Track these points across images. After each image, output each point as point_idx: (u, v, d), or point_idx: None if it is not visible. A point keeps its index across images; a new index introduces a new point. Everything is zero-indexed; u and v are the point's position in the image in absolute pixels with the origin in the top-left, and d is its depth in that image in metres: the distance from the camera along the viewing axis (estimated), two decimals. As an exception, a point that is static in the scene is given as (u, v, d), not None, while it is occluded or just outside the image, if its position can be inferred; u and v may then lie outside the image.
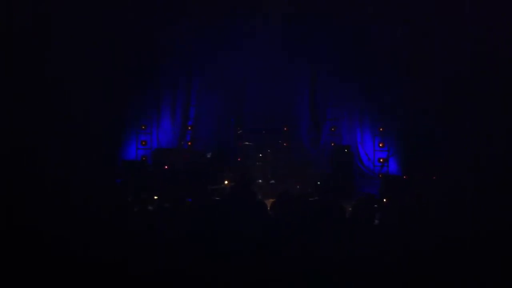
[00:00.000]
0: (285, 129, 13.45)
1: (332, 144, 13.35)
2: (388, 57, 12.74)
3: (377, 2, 12.60)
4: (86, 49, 11.78)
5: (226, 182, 11.43)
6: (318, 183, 11.66)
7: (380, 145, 13.22)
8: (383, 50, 12.78)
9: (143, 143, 13.26)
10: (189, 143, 13.68)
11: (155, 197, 10.08)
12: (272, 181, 11.73)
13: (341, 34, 13.23)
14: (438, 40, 11.88)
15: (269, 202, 8.22)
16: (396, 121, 12.90)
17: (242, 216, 5.32)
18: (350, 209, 7.15)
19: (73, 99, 11.66)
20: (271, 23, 13.16)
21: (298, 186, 11.40)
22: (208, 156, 12.68)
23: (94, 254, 4.44)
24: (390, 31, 12.69)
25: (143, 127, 13.32)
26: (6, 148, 9.92)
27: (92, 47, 11.92)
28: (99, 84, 12.09)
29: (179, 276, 4.26)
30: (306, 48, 13.41)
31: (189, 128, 13.78)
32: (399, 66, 12.62)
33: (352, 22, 13.06)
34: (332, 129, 13.63)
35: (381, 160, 13.14)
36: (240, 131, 13.27)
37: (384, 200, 10.14)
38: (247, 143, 12.74)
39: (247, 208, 5.89)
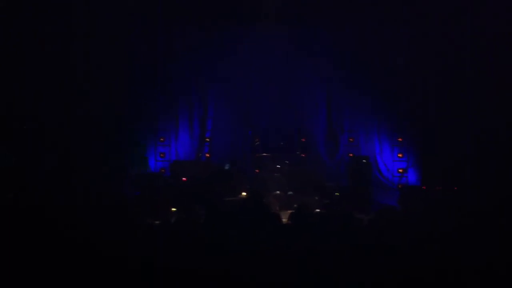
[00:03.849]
0: (302, 140, 13.41)
1: (350, 155, 13.27)
2: (405, 66, 12.69)
3: (394, 9, 12.57)
4: (103, 63, 11.91)
5: (243, 193, 11.41)
6: (336, 194, 11.59)
7: (399, 155, 13.11)
8: (400, 59, 12.74)
9: (162, 155, 13.32)
10: (207, 155, 13.70)
11: (173, 209, 10.10)
12: (290, 193, 11.67)
13: (358, 44, 13.22)
14: (458, 48, 11.80)
15: (287, 213, 8.19)
16: (415, 131, 12.80)
17: (254, 228, 5.33)
18: (368, 220, 7.10)
19: (90, 112, 11.79)
20: (288, 34, 13.21)
21: (316, 198, 11.34)
22: (226, 167, 12.68)
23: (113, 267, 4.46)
24: (406, 40, 12.67)
25: (162, 139, 13.39)
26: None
27: (109, 60, 12.06)
28: (117, 97, 12.21)
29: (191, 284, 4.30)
30: (323, 58, 13.40)
31: (207, 140, 13.81)
32: (417, 75, 12.55)
33: (370, 31, 13.06)
34: (350, 139, 13.56)
35: (400, 170, 13.03)
36: (258, 142, 13.24)
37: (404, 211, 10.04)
38: (264, 154, 12.72)
39: (259, 220, 5.88)
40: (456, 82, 11.79)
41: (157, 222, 6.81)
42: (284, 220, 7.46)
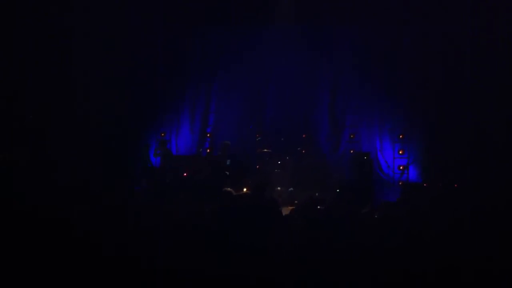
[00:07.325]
0: (304, 136, 13.41)
1: (351, 151, 13.27)
2: (408, 63, 12.69)
3: (398, 10, 12.55)
4: (107, 58, 11.91)
5: (244, 189, 11.40)
6: (337, 190, 11.57)
7: (400, 152, 13.09)
8: (403, 57, 12.73)
9: (163, 150, 13.29)
10: (208, 150, 13.70)
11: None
12: (291, 189, 11.67)
13: (361, 42, 13.19)
14: (460, 48, 11.78)
15: (287, 209, 8.20)
16: (416, 128, 12.79)
17: (256, 223, 5.34)
18: (367, 216, 7.11)
19: (92, 106, 11.79)
20: (292, 30, 13.19)
21: (316, 194, 11.33)
22: (227, 163, 12.67)
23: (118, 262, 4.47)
24: (409, 39, 12.66)
25: (162, 134, 13.39)
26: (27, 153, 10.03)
27: (113, 55, 12.06)
28: (119, 92, 12.21)
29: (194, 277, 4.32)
30: (326, 55, 13.37)
31: (208, 135, 13.81)
32: (419, 73, 12.54)
33: (372, 30, 13.02)
34: (351, 136, 13.54)
35: (401, 167, 13.00)
36: (259, 138, 13.24)
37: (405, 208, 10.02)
38: (266, 150, 12.71)
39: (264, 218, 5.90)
40: (456, 81, 11.80)
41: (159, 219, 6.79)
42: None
